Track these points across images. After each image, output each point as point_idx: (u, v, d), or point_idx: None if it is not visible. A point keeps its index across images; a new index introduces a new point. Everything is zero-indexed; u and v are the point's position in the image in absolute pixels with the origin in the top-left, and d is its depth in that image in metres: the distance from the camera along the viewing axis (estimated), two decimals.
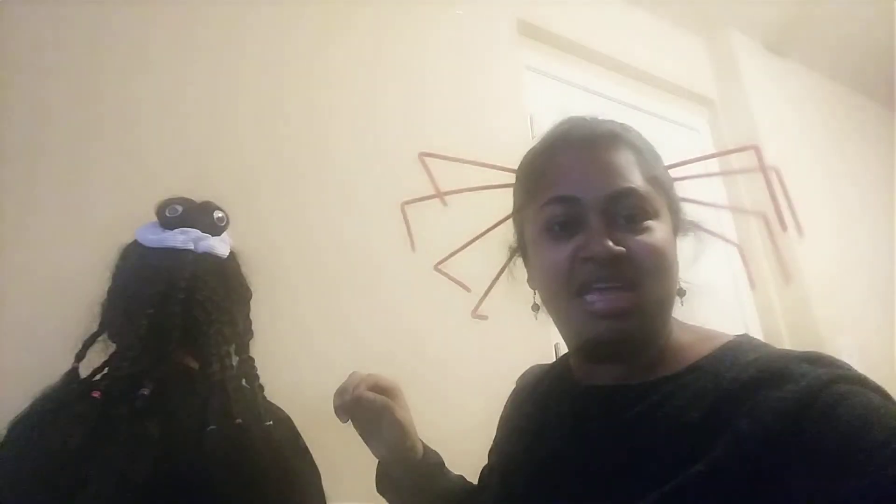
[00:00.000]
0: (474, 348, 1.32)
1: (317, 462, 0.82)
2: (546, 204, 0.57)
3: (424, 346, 1.27)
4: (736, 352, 0.52)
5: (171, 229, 0.80)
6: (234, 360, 0.79)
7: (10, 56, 1.02)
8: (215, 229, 0.84)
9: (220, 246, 0.83)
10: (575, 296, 0.54)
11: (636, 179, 0.55)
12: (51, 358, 0.74)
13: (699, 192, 0.65)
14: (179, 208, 0.81)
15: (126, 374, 0.70)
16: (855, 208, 2.43)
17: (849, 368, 0.46)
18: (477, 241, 0.75)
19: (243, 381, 0.78)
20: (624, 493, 0.49)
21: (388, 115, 1.44)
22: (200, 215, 0.83)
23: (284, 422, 0.83)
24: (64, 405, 0.66)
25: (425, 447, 0.73)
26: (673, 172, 0.64)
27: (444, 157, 0.70)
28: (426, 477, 0.72)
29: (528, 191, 0.61)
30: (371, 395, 0.67)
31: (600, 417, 0.55)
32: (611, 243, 0.52)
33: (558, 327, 0.59)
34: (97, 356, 0.76)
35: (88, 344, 0.76)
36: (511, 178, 0.68)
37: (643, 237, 0.53)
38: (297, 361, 1.09)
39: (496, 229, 0.74)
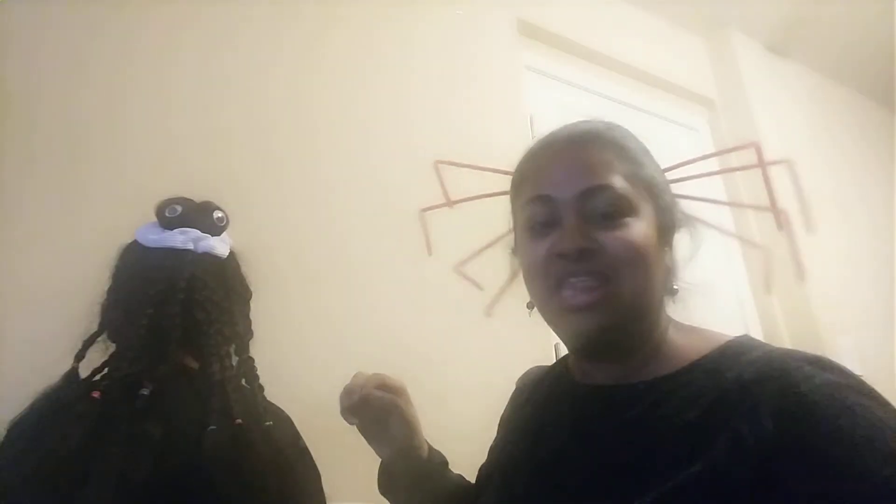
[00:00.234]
0: (474, 349, 1.32)
1: (317, 462, 0.82)
2: (526, 203, 0.59)
3: (425, 346, 1.27)
4: (737, 351, 0.52)
5: (171, 229, 0.80)
6: (234, 360, 0.79)
7: (7, 58, 1.02)
8: (215, 229, 0.83)
9: (219, 246, 0.83)
10: (553, 291, 0.56)
11: (612, 177, 0.56)
12: (51, 358, 0.74)
13: (704, 191, 0.66)
14: (179, 208, 0.81)
15: (126, 374, 0.70)
16: (855, 208, 2.43)
17: (851, 375, 0.47)
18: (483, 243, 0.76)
19: (243, 381, 0.78)
20: (622, 492, 0.48)
21: (388, 114, 1.44)
22: (200, 215, 0.83)
23: (284, 422, 0.83)
24: (64, 405, 0.66)
25: (430, 447, 0.74)
26: (675, 172, 0.65)
27: (460, 165, 0.70)
28: (430, 477, 0.72)
29: (515, 191, 0.64)
30: (379, 393, 0.68)
31: (598, 417, 0.56)
32: (580, 239, 0.53)
33: (549, 325, 0.60)
34: (97, 356, 0.76)
35: (88, 344, 0.76)
36: None
37: (617, 233, 0.54)
38: (297, 362, 1.08)
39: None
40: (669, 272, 0.60)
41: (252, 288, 0.87)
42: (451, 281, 1.36)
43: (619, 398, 0.55)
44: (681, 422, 0.49)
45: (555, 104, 1.86)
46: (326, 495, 0.80)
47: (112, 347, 0.76)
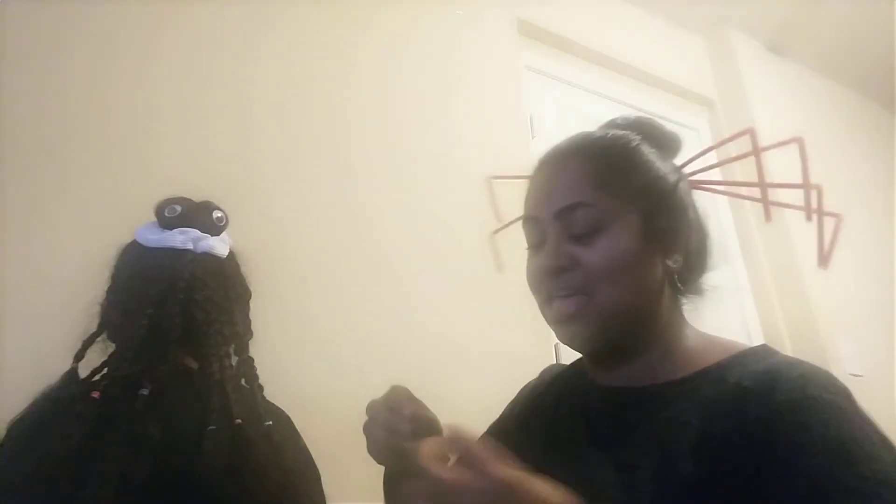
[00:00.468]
0: (474, 349, 1.32)
1: (317, 462, 0.82)
2: (522, 224, 0.64)
3: (424, 347, 1.27)
4: (747, 360, 0.52)
5: (171, 229, 0.80)
6: (234, 360, 0.79)
7: (10, 55, 1.02)
8: (214, 229, 0.83)
9: (219, 246, 0.83)
10: (546, 304, 0.60)
11: (586, 193, 0.58)
12: (51, 358, 0.74)
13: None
14: (178, 208, 0.81)
15: (125, 374, 0.70)
16: (855, 208, 2.43)
17: (840, 392, 0.47)
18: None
19: (243, 381, 0.78)
20: (622, 491, 0.49)
21: (388, 114, 1.44)
22: (199, 215, 0.83)
23: (284, 422, 0.83)
24: (63, 405, 0.66)
25: None
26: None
27: (514, 178, 0.70)
28: None
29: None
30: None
31: (606, 417, 0.57)
32: (557, 258, 0.57)
33: None
34: (97, 356, 0.76)
35: (88, 344, 0.76)
36: None
37: (593, 249, 0.56)
38: (297, 362, 1.08)
39: None
40: (671, 275, 0.59)
41: (251, 288, 0.87)
42: (450, 282, 1.37)
43: (626, 400, 0.57)
44: (681, 425, 0.49)
45: (555, 104, 1.86)
46: (326, 495, 0.80)
47: (112, 347, 0.76)
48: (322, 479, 0.81)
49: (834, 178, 2.45)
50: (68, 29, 1.10)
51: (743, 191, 0.74)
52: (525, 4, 1.86)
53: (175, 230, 0.80)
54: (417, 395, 0.74)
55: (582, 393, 0.63)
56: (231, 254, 0.86)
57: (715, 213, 2.05)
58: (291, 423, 0.84)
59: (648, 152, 0.62)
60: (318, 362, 1.12)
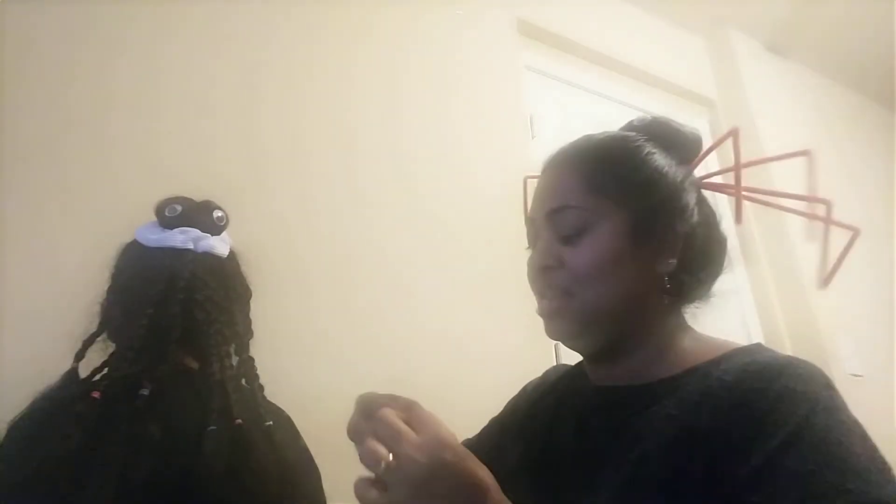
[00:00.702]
0: (474, 350, 1.32)
1: (317, 462, 0.82)
2: (525, 223, 0.67)
3: (423, 347, 1.27)
4: (736, 357, 0.53)
5: (171, 229, 0.80)
6: (234, 359, 0.79)
7: (9, 55, 1.02)
8: (215, 229, 0.83)
9: (219, 245, 0.83)
10: (538, 300, 0.63)
11: (573, 196, 0.60)
12: (51, 358, 0.74)
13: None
14: (179, 208, 0.81)
15: (126, 374, 0.70)
16: (855, 208, 2.43)
17: (823, 390, 0.46)
18: None
19: (243, 381, 0.78)
20: (610, 486, 0.50)
21: (387, 114, 1.44)
22: (200, 215, 0.83)
23: (285, 422, 0.83)
24: (64, 405, 0.66)
25: None
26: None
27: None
28: None
29: None
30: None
31: (600, 416, 0.58)
32: (542, 258, 0.60)
33: None
34: (97, 356, 0.76)
35: (88, 344, 0.76)
36: None
37: (576, 250, 0.58)
38: (297, 361, 1.08)
39: None
40: (660, 278, 0.58)
41: (252, 287, 0.87)
42: (451, 281, 1.37)
43: (617, 399, 0.58)
44: (664, 420, 0.50)
45: (555, 104, 1.86)
46: (326, 495, 0.80)
47: (112, 347, 0.76)
48: (322, 478, 0.81)
49: (833, 178, 2.46)
50: (68, 28, 1.10)
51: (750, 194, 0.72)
52: (525, 4, 1.86)
53: (175, 230, 0.80)
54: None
55: (581, 394, 0.64)
56: (231, 253, 0.86)
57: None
58: (292, 423, 0.84)
59: (649, 154, 0.61)
60: (318, 362, 1.12)
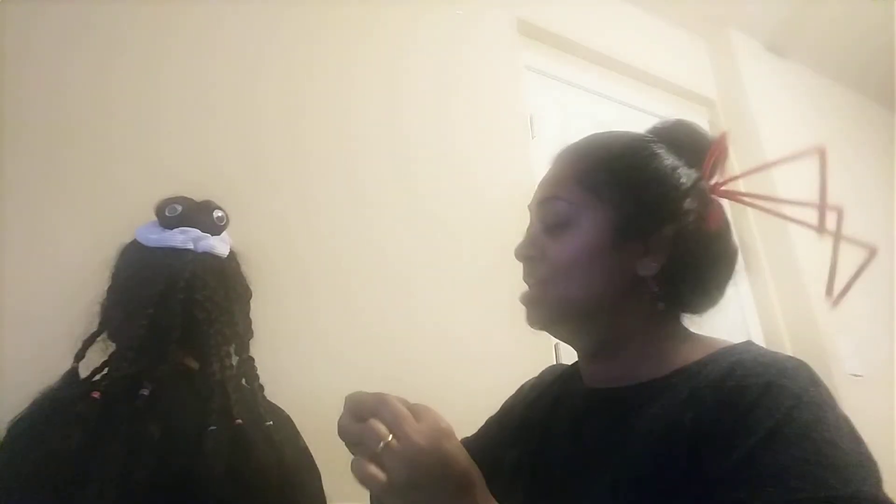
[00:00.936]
0: (473, 349, 1.32)
1: (317, 462, 0.82)
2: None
3: (423, 347, 1.27)
4: (725, 355, 0.52)
5: (171, 229, 0.80)
6: (235, 359, 0.79)
7: (9, 54, 1.02)
8: (215, 228, 0.83)
9: (219, 245, 0.83)
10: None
11: (563, 189, 0.60)
12: (51, 358, 0.74)
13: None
14: (179, 208, 0.81)
15: (126, 374, 0.70)
16: (855, 208, 2.43)
17: (810, 388, 0.46)
18: None
19: (243, 381, 0.78)
20: (601, 488, 0.50)
21: (387, 114, 1.44)
22: (200, 214, 0.83)
23: (285, 422, 0.83)
24: (64, 405, 0.66)
25: None
26: None
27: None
28: None
29: None
30: None
31: (593, 418, 0.58)
32: (524, 247, 0.62)
33: None
34: (97, 356, 0.76)
35: (88, 344, 0.76)
36: None
37: (556, 242, 0.59)
38: (297, 361, 1.08)
39: None
40: (643, 279, 0.57)
41: (252, 287, 0.87)
42: (451, 281, 1.37)
43: (608, 400, 0.58)
44: (652, 420, 0.50)
45: (555, 104, 1.86)
46: (326, 495, 0.80)
47: (112, 347, 0.76)
48: (322, 478, 0.81)
49: (834, 177, 2.46)
50: (69, 29, 1.10)
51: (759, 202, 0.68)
52: (525, 4, 1.86)
53: (175, 230, 0.80)
54: (417, 394, 0.73)
55: (574, 396, 0.64)
56: (232, 253, 0.86)
57: None
58: (292, 423, 0.84)
59: (653, 155, 0.60)
60: (318, 362, 1.12)
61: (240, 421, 0.70)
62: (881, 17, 2.34)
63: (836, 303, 0.59)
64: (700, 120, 2.31)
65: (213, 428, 0.68)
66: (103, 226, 0.93)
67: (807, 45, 2.56)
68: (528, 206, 0.65)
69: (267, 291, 0.90)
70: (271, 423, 0.74)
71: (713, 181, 0.61)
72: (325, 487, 0.81)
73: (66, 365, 0.73)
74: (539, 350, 1.34)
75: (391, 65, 1.49)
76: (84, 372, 0.74)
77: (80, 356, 0.74)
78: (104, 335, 0.77)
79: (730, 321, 1.94)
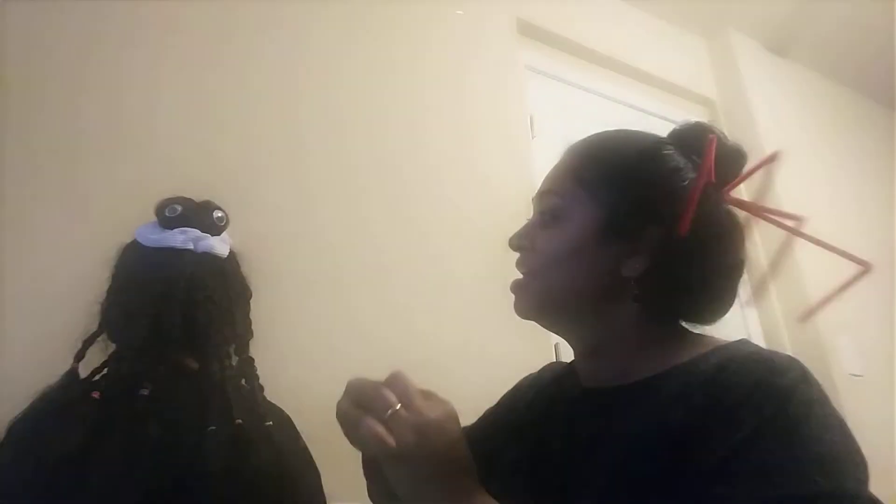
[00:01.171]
0: (474, 349, 1.32)
1: (317, 462, 0.82)
2: None
3: (423, 347, 1.27)
4: (718, 353, 0.52)
5: (171, 229, 0.80)
6: (235, 360, 0.79)
7: (7, 58, 1.02)
8: (215, 229, 0.83)
9: (219, 245, 0.83)
10: None
11: (560, 184, 0.61)
12: (51, 358, 0.74)
13: None
14: (179, 208, 0.81)
15: (125, 374, 0.70)
16: (855, 208, 2.43)
17: (805, 389, 0.45)
18: None
19: (243, 381, 0.78)
20: (593, 489, 0.50)
21: (387, 114, 1.44)
22: (200, 215, 0.83)
23: (285, 422, 0.83)
24: (63, 405, 0.66)
25: None
26: None
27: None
28: None
29: None
30: None
31: (586, 419, 0.57)
32: (516, 238, 0.62)
33: None
34: (97, 356, 0.76)
35: (88, 344, 0.76)
36: None
37: (546, 235, 0.59)
38: (297, 361, 1.08)
39: None
40: (626, 280, 0.55)
41: (252, 288, 0.87)
42: (450, 281, 1.37)
43: (602, 400, 0.57)
44: (643, 420, 0.50)
45: (555, 104, 1.86)
46: (326, 495, 0.80)
47: (112, 347, 0.76)
48: (322, 478, 0.81)
49: (834, 177, 2.46)
50: (71, 29, 1.10)
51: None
52: (525, 4, 1.86)
53: (175, 230, 0.80)
54: None
55: (569, 396, 0.63)
56: (231, 253, 0.86)
57: None
58: (292, 423, 0.84)
59: (658, 156, 0.58)
60: (318, 362, 1.12)
61: (239, 421, 0.70)
62: (881, 17, 2.34)
63: (804, 319, 0.59)
64: (700, 120, 2.31)
65: (212, 428, 0.68)
66: (103, 226, 0.93)
67: (807, 45, 2.56)
68: (531, 197, 0.65)
69: (267, 291, 0.91)
70: (271, 423, 0.74)
71: (725, 187, 0.58)
72: (325, 487, 0.81)
73: (66, 365, 0.73)
74: (539, 349, 1.34)
75: (391, 65, 1.49)
76: (84, 372, 0.74)
77: (80, 356, 0.74)
78: (104, 335, 0.77)
79: (730, 320, 1.93)
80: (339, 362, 1.15)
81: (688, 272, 0.56)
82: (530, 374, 0.77)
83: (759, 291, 0.64)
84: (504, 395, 0.77)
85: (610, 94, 2.03)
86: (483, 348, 1.32)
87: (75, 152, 1.04)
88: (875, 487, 0.43)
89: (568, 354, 0.67)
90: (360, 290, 1.24)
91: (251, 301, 0.86)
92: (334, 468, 0.82)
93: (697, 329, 0.60)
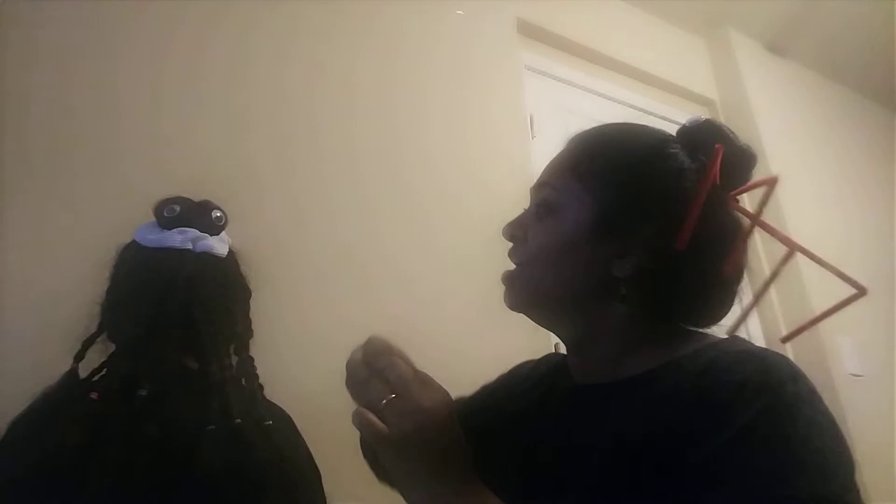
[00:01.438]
0: (474, 347, 1.32)
1: (317, 462, 0.82)
2: None
3: (423, 345, 1.26)
4: (708, 351, 0.51)
5: (170, 229, 0.80)
6: (234, 359, 0.79)
7: (3, 58, 1.02)
8: (214, 228, 0.83)
9: (218, 245, 0.83)
10: None
11: (557, 176, 0.60)
12: (51, 358, 0.74)
13: None
14: (177, 208, 0.81)
15: (124, 374, 0.70)
16: (855, 208, 2.43)
17: (793, 388, 0.44)
18: None
19: (243, 381, 0.78)
20: (580, 486, 0.50)
21: (387, 114, 1.44)
22: (199, 215, 0.83)
23: (284, 421, 0.82)
24: (62, 406, 0.66)
25: None
26: None
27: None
28: None
29: None
30: None
31: (577, 416, 0.57)
32: (509, 227, 0.62)
33: None
34: (97, 356, 0.76)
35: (88, 344, 0.76)
36: None
37: (540, 227, 0.58)
38: (297, 361, 1.08)
39: None
40: (615, 281, 0.54)
41: (251, 287, 0.87)
42: (450, 281, 1.37)
43: (591, 397, 0.57)
44: (631, 418, 0.49)
45: (555, 104, 1.86)
46: (326, 495, 0.80)
47: (112, 348, 0.76)
48: (322, 478, 0.81)
49: (834, 177, 2.46)
50: (71, 29, 1.10)
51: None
52: (525, 4, 1.86)
53: (174, 230, 0.80)
54: None
55: (561, 392, 0.63)
56: (231, 253, 0.86)
57: None
58: (292, 422, 0.84)
59: (655, 154, 0.56)
60: (318, 362, 1.12)
61: (239, 421, 0.70)
62: (881, 17, 2.34)
63: (787, 340, 0.59)
64: None
65: (212, 428, 0.68)
66: (103, 226, 0.93)
67: (807, 45, 2.56)
68: (530, 187, 0.64)
69: (267, 291, 0.90)
70: (271, 422, 0.74)
71: (729, 191, 0.56)
72: (325, 487, 0.81)
73: (66, 365, 0.73)
74: (539, 349, 1.34)
75: (391, 65, 1.49)
76: (84, 372, 0.74)
77: (79, 356, 0.74)
78: (104, 335, 0.77)
79: (729, 320, 1.93)
80: (339, 362, 1.14)
81: (682, 278, 0.54)
82: (529, 361, 0.77)
83: (759, 299, 0.62)
84: (502, 377, 0.77)
85: (610, 94, 2.03)
86: (484, 348, 1.32)
87: (74, 152, 1.04)
88: (875, 487, 0.43)
89: None
90: (360, 290, 1.24)
91: (251, 301, 0.86)
92: (334, 468, 0.82)
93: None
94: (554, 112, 1.82)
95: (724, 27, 2.40)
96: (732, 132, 0.57)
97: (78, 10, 1.11)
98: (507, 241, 0.64)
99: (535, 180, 0.65)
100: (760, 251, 2.08)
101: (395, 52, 1.51)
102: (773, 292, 2.05)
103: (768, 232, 0.59)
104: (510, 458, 0.61)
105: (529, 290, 0.59)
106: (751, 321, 2.02)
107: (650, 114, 2.11)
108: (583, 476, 0.50)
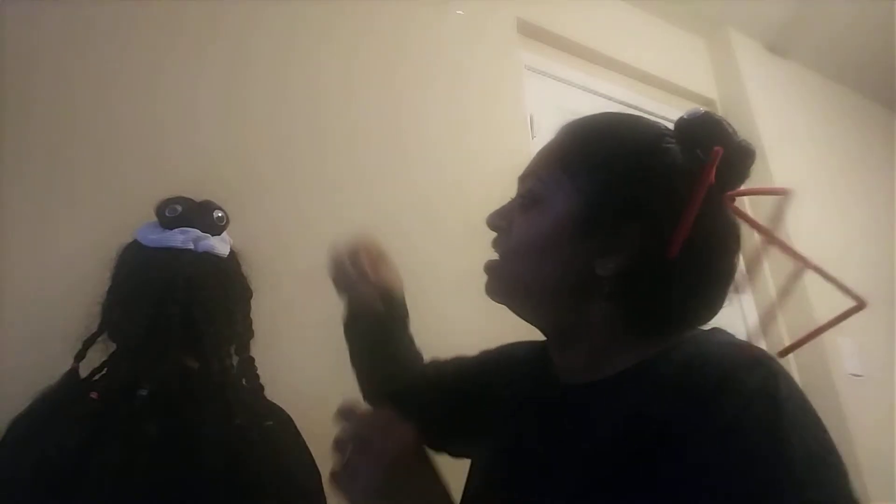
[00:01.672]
0: (474, 346, 1.32)
1: (317, 462, 0.82)
2: None
3: (425, 346, 1.27)
4: (688, 345, 0.49)
5: (171, 229, 0.80)
6: (235, 359, 0.79)
7: (4, 58, 1.02)
8: (215, 228, 0.83)
9: (220, 245, 0.83)
10: None
11: (544, 164, 0.58)
12: (51, 358, 0.74)
13: None
14: (179, 208, 0.81)
15: (125, 374, 0.70)
16: (855, 208, 2.43)
17: (774, 385, 0.42)
18: None
19: (243, 381, 0.78)
20: (563, 487, 0.50)
21: (388, 114, 1.44)
22: (200, 215, 0.83)
23: (285, 422, 0.83)
24: (63, 406, 0.66)
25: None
26: None
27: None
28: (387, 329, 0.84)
29: None
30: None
31: (560, 416, 0.56)
32: (492, 217, 0.61)
33: None
34: (97, 356, 0.76)
35: (88, 344, 0.76)
36: None
37: (524, 219, 0.57)
38: (297, 361, 1.08)
39: None
40: (598, 280, 0.52)
41: (252, 287, 0.87)
42: (450, 281, 1.37)
43: (574, 396, 0.55)
44: (610, 417, 0.49)
45: (555, 104, 1.86)
46: (327, 495, 0.80)
47: (112, 347, 0.76)
48: (322, 478, 0.81)
49: (834, 177, 2.46)
50: (71, 29, 1.10)
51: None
52: (525, 4, 1.86)
53: (175, 230, 0.80)
54: None
55: (544, 391, 0.61)
56: (232, 253, 0.86)
57: None
58: (292, 422, 0.84)
59: (648, 149, 0.53)
60: (318, 362, 1.12)
61: (239, 421, 0.70)
62: (881, 17, 2.34)
63: (784, 355, 0.55)
64: None
65: (212, 428, 0.68)
66: (104, 226, 0.93)
67: (807, 45, 2.56)
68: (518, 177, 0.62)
69: (267, 291, 0.90)
70: (271, 423, 0.74)
71: (726, 190, 0.53)
72: (325, 487, 0.81)
73: (66, 365, 0.73)
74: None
75: (391, 64, 1.49)
76: (84, 372, 0.74)
77: (80, 356, 0.74)
78: (104, 335, 0.77)
79: (729, 319, 1.93)
80: (339, 362, 1.14)
81: (669, 279, 0.51)
82: (524, 345, 0.72)
83: (767, 319, 0.61)
84: (502, 349, 0.77)
85: (610, 93, 2.03)
86: (483, 346, 1.32)
87: (75, 152, 1.04)
88: (875, 487, 0.43)
89: None
90: None
91: (251, 301, 0.86)
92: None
93: None
94: (554, 112, 1.83)
95: (724, 27, 2.40)
96: (732, 127, 0.54)
97: (78, 10, 1.11)
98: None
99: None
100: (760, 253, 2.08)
101: (395, 53, 1.51)
102: (771, 289, 2.04)
103: (780, 248, 0.55)
104: (495, 459, 0.60)
105: (509, 283, 0.58)
106: (750, 318, 2.02)
107: (650, 114, 2.11)
108: (566, 478, 0.50)
